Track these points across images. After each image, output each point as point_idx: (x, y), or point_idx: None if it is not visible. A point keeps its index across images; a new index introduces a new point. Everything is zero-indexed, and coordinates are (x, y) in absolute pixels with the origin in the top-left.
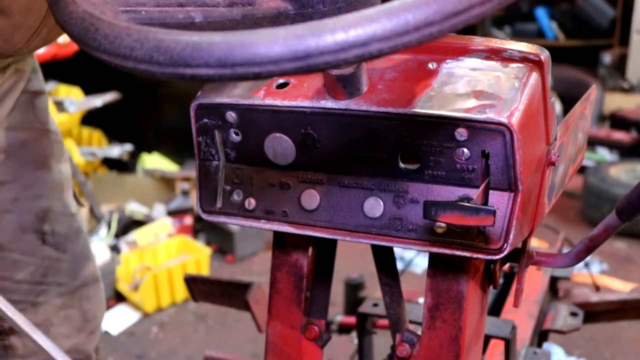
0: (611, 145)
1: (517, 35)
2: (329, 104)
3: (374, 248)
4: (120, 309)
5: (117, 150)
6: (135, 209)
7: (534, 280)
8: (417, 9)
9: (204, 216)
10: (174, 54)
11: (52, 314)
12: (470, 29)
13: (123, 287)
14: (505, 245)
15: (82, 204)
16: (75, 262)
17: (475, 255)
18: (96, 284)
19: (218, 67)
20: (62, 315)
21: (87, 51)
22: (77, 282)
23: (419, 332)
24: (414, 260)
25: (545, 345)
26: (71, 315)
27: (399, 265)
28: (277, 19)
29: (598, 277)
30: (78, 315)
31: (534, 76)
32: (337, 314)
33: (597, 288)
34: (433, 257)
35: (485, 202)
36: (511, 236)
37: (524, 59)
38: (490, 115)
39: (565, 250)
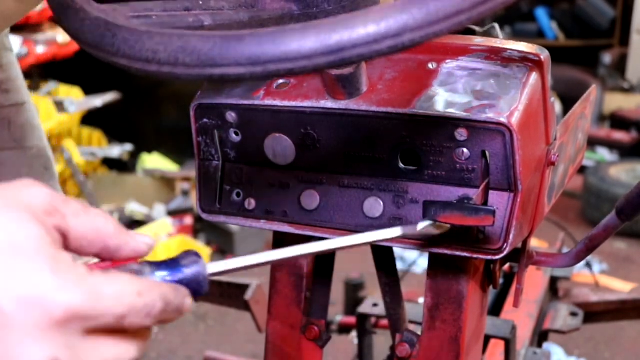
0: (611, 145)
1: (517, 35)
2: (329, 104)
3: (374, 248)
4: None
5: (117, 150)
6: (135, 209)
7: (534, 280)
8: None
9: (204, 216)
10: (202, 54)
11: None
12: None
13: None
14: (505, 245)
15: None
16: None
17: (475, 255)
18: None
19: (249, 65)
20: None
21: (102, 58)
22: None
23: (419, 332)
24: (416, 261)
25: (545, 345)
26: None
27: (400, 266)
28: (281, 20)
29: (598, 277)
30: None
31: (534, 76)
32: (337, 314)
33: (596, 284)
34: (433, 257)
35: (485, 202)
36: (511, 236)
37: (524, 59)
38: (490, 115)
39: (565, 250)
